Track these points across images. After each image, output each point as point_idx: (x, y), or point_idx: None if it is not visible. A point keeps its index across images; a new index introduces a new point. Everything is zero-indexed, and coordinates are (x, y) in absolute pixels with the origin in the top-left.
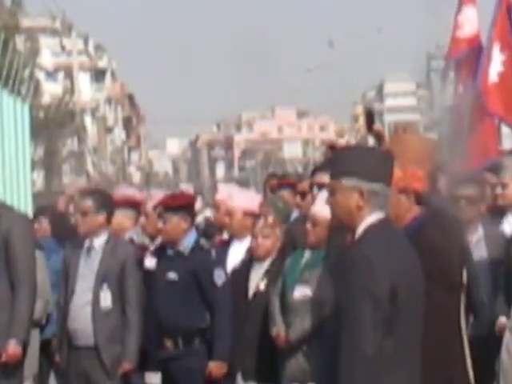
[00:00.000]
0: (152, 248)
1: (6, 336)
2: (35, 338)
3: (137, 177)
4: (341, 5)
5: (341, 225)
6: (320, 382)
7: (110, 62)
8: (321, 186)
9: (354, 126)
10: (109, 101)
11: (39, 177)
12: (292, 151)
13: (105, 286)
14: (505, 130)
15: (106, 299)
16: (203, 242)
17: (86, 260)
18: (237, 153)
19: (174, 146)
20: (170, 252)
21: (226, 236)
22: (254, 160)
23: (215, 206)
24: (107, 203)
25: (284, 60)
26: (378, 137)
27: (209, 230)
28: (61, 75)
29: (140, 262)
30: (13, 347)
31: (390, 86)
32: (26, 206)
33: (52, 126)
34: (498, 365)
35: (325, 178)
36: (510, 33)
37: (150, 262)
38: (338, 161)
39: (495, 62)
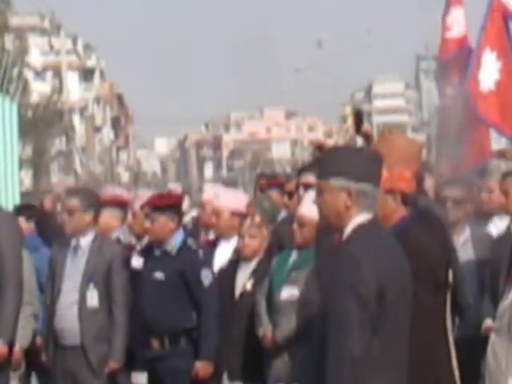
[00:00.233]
0: (139, 248)
1: None
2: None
3: (125, 176)
4: (330, 5)
5: (328, 225)
6: (306, 383)
7: (99, 61)
8: (307, 187)
9: (343, 126)
10: (97, 100)
11: (27, 176)
12: (280, 151)
13: (91, 286)
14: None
15: (93, 298)
16: (190, 241)
17: (73, 259)
18: (225, 153)
19: (163, 145)
20: (157, 252)
21: (212, 236)
22: (243, 160)
23: (201, 206)
24: (94, 202)
25: (273, 60)
26: (367, 137)
27: (196, 230)
28: (49, 74)
29: (127, 261)
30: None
31: (378, 87)
32: (14, 205)
33: (40, 125)
34: (483, 366)
35: (311, 178)
36: (507, 40)
37: (136, 262)
38: (326, 161)
39: (490, 69)
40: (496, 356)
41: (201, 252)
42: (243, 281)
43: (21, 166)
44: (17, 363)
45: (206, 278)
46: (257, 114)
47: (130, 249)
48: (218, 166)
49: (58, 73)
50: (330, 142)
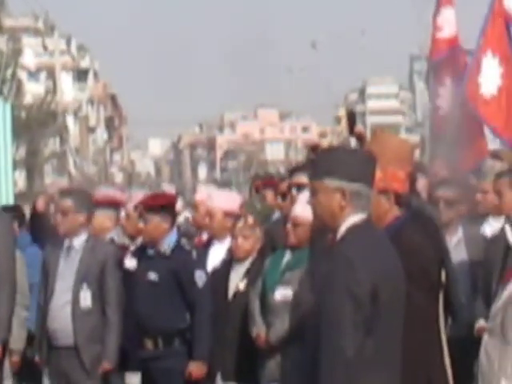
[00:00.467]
0: (132, 248)
1: None
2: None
3: (119, 177)
4: (324, 6)
5: (322, 225)
6: (299, 383)
7: (93, 62)
8: (299, 187)
9: (337, 127)
10: (91, 101)
11: (21, 177)
12: (274, 152)
13: (85, 286)
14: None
15: (86, 299)
16: (184, 242)
17: (66, 260)
18: (219, 154)
19: (157, 146)
20: (150, 252)
21: (205, 237)
22: (237, 161)
23: (194, 207)
24: (87, 203)
25: (267, 61)
26: (360, 139)
27: (189, 231)
28: (43, 75)
29: (120, 262)
30: None
31: (372, 88)
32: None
33: (34, 126)
34: (476, 367)
35: (303, 178)
36: (509, 46)
37: (130, 262)
38: (320, 161)
39: (492, 74)
40: (489, 357)
41: (194, 253)
42: (236, 281)
43: (14, 167)
44: (14, 365)
45: (200, 278)
46: (251, 115)
47: (123, 249)
48: (211, 166)
49: (51, 74)
50: (325, 143)
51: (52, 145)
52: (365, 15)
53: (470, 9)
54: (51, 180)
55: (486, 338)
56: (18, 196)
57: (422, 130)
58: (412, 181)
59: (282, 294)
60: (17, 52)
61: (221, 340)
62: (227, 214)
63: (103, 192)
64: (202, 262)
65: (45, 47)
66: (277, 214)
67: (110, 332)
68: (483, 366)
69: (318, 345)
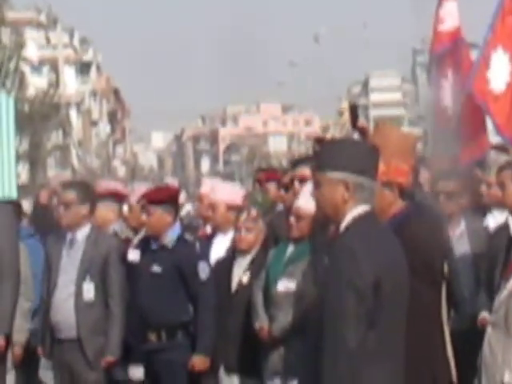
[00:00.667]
0: (135, 241)
1: None
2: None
3: (122, 170)
4: (327, 0)
5: (326, 218)
6: (302, 375)
7: (96, 55)
8: (302, 179)
9: (339, 120)
10: (94, 94)
11: (24, 170)
12: (277, 145)
13: (88, 278)
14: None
15: (89, 291)
16: (187, 235)
17: (69, 252)
18: (222, 147)
19: (159, 139)
20: (153, 245)
21: (209, 229)
22: (239, 154)
23: (199, 199)
24: (90, 195)
25: (269, 54)
26: (363, 132)
27: (192, 224)
28: (46, 68)
29: (123, 254)
30: None
31: (375, 81)
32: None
33: (37, 119)
34: (479, 359)
35: (305, 170)
36: None
37: (133, 255)
38: (323, 154)
39: (501, 70)
40: (492, 349)
41: (197, 245)
42: (239, 274)
43: (17, 160)
44: (16, 359)
45: (203, 271)
46: (253, 108)
47: (126, 242)
48: (214, 159)
49: (54, 67)
50: (328, 136)
51: (55, 138)
52: (367, 8)
53: (474, 1)
54: (54, 173)
55: (489, 330)
56: (20, 189)
57: (425, 122)
58: (415, 174)
59: (285, 286)
60: (19, 45)
61: (224, 333)
62: (230, 207)
63: (105, 184)
64: (205, 254)
65: (48, 40)
66: (280, 207)
67: (113, 324)
68: (486, 358)
69: (321, 337)
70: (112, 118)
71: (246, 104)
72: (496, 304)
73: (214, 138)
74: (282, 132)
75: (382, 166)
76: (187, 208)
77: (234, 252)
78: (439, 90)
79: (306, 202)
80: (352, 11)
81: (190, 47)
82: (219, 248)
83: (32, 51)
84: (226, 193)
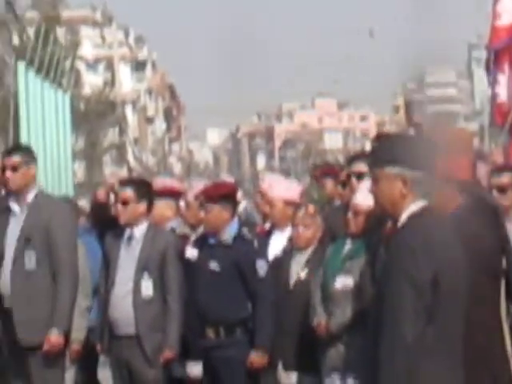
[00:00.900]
0: (193, 238)
1: (48, 325)
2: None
3: (177, 168)
4: None
5: (384, 213)
6: (360, 372)
7: (151, 53)
8: (359, 175)
9: (395, 116)
10: (149, 92)
11: (80, 168)
12: (332, 142)
13: (146, 275)
14: None
15: (147, 288)
16: (245, 231)
17: (127, 249)
18: (277, 143)
19: (215, 136)
20: (211, 242)
21: (267, 225)
22: (295, 150)
23: (260, 195)
24: (147, 192)
25: (325, 50)
26: (418, 129)
27: (250, 220)
28: (101, 66)
29: (181, 251)
30: (55, 337)
31: (430, 77)
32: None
33: (93, 117)
34: None
35: (362, 166)
36: None
37: (191, 252)
38: (381, 149)
39: None
40: None
41: (255, 242)
42: (297, 270)
43: (74, 158)
44: (74, 355)
45: (261, 268)
46: (309, 104)
47: (184, 239)
48: (270, 156)
49: (110, 65)
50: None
51: (111, 136)
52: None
53: None
54: (110, 171)
55: None
56: (77, 187)
57: (481, 118)
58: (472, 169)
59: (343, 282)
60: (75, 43)
61: (282, 329)
62: (287, 203)
63: (162, 181)
64: (263, 251)
65: (103, 38)
66: (337, 203)
67: (172, 321)
68: None
69: (378, 332)
70: (168, 115)
71: (301, 100)
72: None
73: (269, 135)
74: (338, 128)
75: (441, 161)
76: (243, 205)
77: (291, 249)
78: (496, 85)
79: (363, 198)
80: (406, 5)
81: (245, 43)
82: (277, 244)
83: (87, 50)
84: (284, 189)
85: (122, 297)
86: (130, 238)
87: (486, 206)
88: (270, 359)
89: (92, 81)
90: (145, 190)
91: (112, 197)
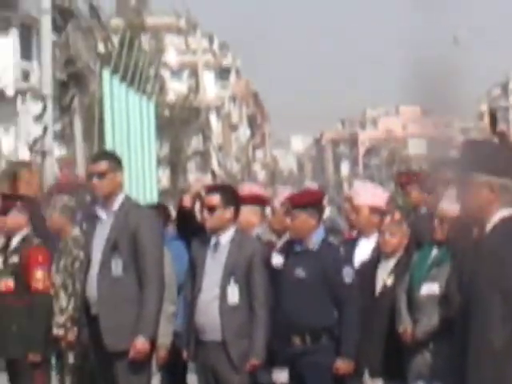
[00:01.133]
0: (279, 245)
1: (134, 331)
2: None
3: (261, 174)
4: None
5: (470, 220)
6: (447, 380)
7: (235, 60)
8: (444, 183)
9: (479, 124)
10: (233, 99)
11: (165, 174)
12: (416, 148)
13: (232, 282)
14: None
15: (234, 294)
16: (331, 238)
17: (213, 255)
18: (361, 150)
19: (299, 143)
20: (297, 249)
21: (354, 233)
22: (379, 157)
23: (347, 202)
24: (234, 199)
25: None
26: (503, 137)
27: (336, 227)
28: (185, 74)
29: (267, 258)
30: (141, 343)
31: None
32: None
33: (177, 124)
34: None
35: (448, 173)
36: None
37: (277, 259)
38: (467, 156)
39: None
40: None
41: (342, 249)
42: (384, 277)
43: (158, 165)
44: (161, 361)
45: (348, 274)
46: (392, 111)
47: (269, 246)
48: (354, 163)
49: (194, 72)
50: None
51: (195, 142)
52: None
53: None
54: (194, 177)
55: None
56: (161, 193)
57: None
58: None
59: (429, 289)
60: (159, 51)
61: (368, 336)
62: (373, 210)
63: (248, 188)
64: (349, 257)
65: (187, 46)
66: (423, 210)
67: (258, 328)
68: None
69: (465, 339)
70: (252, 122)
71: (385, 107)
72: None
73: (353, 142)
74: (422, 135)
75: None
76: (328, 212)
77: (377, 255)
78: None
79: (449, 204)
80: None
81: (330, 51)
82: (363, 251)
83: (172, 56)
84: (370, 196)
85: (209, 303)
86: (217, 245)
87: None
88: (356, 366)
89: (176, 88)
90: (231, 196)
91: (198, 203)
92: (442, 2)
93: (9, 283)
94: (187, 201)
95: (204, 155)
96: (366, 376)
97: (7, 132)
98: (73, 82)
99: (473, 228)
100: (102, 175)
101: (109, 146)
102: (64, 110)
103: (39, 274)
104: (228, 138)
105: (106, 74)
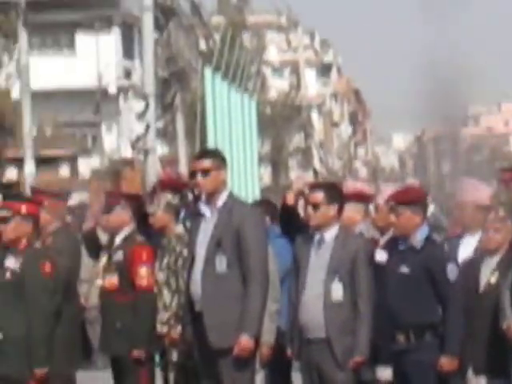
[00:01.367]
0: (382, 241)
1: (238, 329)
2: None
3: (363, 172)
4: None
5: None
6: None
7: (336, 57)
8: None
9: None
10: (335, 96)
11: (266, 172)
12: None
13: (336, 279)
14: None
15: (338, 291)
16: (435, 236)
17: (317, 252)
18: (463, 147)
19: (400, 140)
20: (401, 246)
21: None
22: (481, 155)
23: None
24: (338, 196)
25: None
26: None
27: (439, 224)
28: (287, 71)
29: (370, 255)
30: (245, 341)
31: None
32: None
33: (279, 122)
34: None
35: None
36: None
37: (380, 256)
38: None
39: None
40: None
41: (445, 246)
42: (487, 274)
43: (260, 162)
44: (265, 359)
45: (452, 271)
46: (494, 108)
47: (373, 243)
48: (455, 160)
49: (295, 69)
50: None
51: (297, 140)
52: None
53: None
54: (296, 175)
55: None
56: (263, 190)
57: None
58: None
59: None
60: (261, 48)
61: (472, 333)
62: (478, 207)
63: (353, 185)
64: (453, 254)
65: (288, 43)
66: None
67: (362, 324)
68: None
69: None
70: (353, 119)
71: (486, 104)
72: None
73: (454, 139)
74: None
75: None
76: (431, 209)
77: (481, 252)
78: None
79: None
80: None
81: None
82: (467, 248)
83: (273, 54)
84: (474, 192)
85: (313, 300)
86: (321, 242)
87: None
88: (460, 363)
89: (278, 85)
90: (335, 193)
91: (301, 201)
92: None
93: (113, 280)
94: (290, 198)
95: (306, 152)
96: (470, 373)
97: (110, 130)
98: (175, 80)
99: None
100: (206, 173)
101: (210, 143)
102: (166, 107)
103: (143, 272)
104: (329, 135)
105: (208, 71)
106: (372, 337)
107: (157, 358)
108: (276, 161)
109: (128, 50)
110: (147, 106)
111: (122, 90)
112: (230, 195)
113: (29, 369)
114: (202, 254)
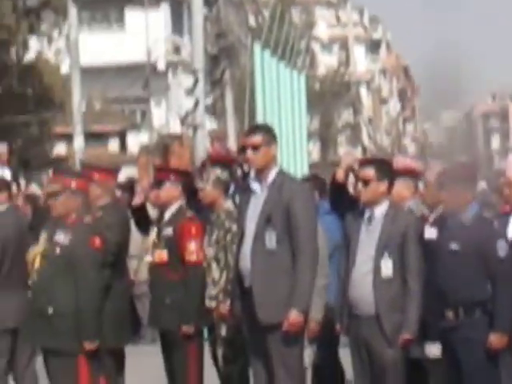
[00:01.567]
0: (431, 218)
1: (287, 305)
2: None
3: (411, 148)
4: None
5: None
6: None
7: (385, 33)
8: None
9: None
10: (383, 72)
11: (315, 148)
12: None
13: (386, 255)
14: None
15: (388, 268)
16: (485, 212)
17: (367, 229)
18: None
19: (449, 117)
20: (451, 222)
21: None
22: None
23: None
24: (389, 172)
25: None
26: None
27: (490, 201)
28: (336, 47)
29: (420, 231)
30: (294, 316)
31: None
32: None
33: (327, 98)
34: None
35: None
36: None
37: (429, 233)
38: None
39: None
40: None
41: (495, 222)
42: None
43: (308, 138)
44: (312, 335)
45: (502, 248)
46: None
47: (422, 219)
48: (504, 137)
49: (344, 45)
50: None
51: (345, 116)
52: None
53: None
54: (345, 151)
55: None
56: (312, 166)
57: None
58: None
59: None
60: (310, 24)
61: None
62: None
63: (403, 161)
64: (503, 231)
65: (338, 19)
66: None
67: (411, 301)
68: None
69: None
70: (402, 95)
71: None
72: None
73: (504, 115)
74: None
75: None
76: (481, 185)
77: None
78: None
79: None
80: None
81: (478, 27)
82: None
83: (322, 30)
84: None
85: (363, 276)
86: (371, 218)
87: None
88: (509, 340)
89: (327, 61)
90: (386, 169)
91: (351, 177)
92: None
93: (162, 255)
94: (340, 175)
95: (354, 129)
96: None
97: (159, 105)
98: (224, 56)
99: None
100: (256, 148)
101: (259, 119)
102: (215, 83)
103: (192, 246)
104: (378, 111)
105: (257, 47)
106: (421, 314)
107: (205, 333)
108: (325, 137)
109: (177, 26)
110: (196, 81)
111: (171, 65)
112: (280, 171)
113: (79, 343)
114: (252, 229)
